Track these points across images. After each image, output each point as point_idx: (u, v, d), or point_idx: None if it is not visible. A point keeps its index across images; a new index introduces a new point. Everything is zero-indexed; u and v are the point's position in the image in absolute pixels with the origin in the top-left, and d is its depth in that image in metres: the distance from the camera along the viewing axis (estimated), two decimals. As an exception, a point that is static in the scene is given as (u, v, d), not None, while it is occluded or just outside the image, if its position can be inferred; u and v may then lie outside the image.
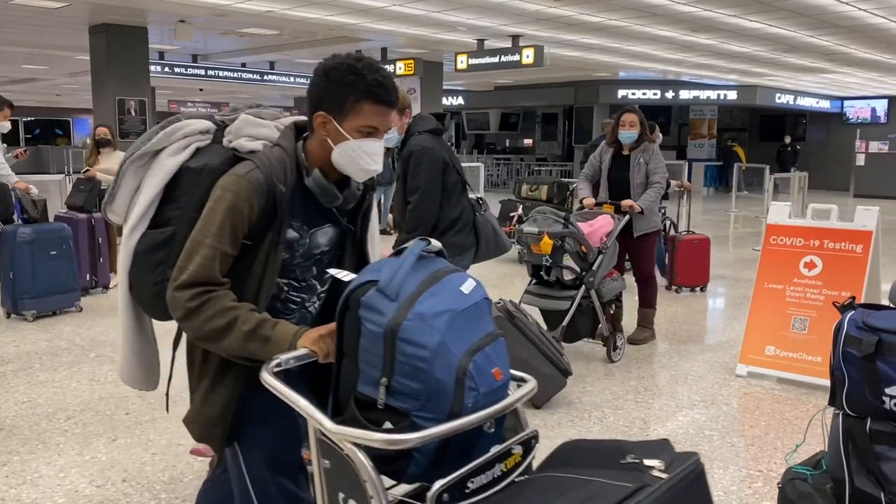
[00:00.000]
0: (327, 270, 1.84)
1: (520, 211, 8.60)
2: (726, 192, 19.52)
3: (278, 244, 1.71)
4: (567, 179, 10.09)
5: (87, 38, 12.28)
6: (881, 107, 23.54)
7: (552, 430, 3.85)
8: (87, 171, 7.23)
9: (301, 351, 1.60)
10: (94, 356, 5.11)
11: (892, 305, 1.87)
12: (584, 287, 4.73)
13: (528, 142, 27.91)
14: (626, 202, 5.15)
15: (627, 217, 5.08)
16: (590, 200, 5.37)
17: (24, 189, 6.33)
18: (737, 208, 14.47)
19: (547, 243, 4.58)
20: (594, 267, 4.75)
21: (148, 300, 1.88)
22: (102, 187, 7.17)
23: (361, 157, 1.72)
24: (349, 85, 1.67)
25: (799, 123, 25.42)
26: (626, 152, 5.32)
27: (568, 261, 4.69)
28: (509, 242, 4.00)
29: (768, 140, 24.78)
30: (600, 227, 4.89)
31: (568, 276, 4.73)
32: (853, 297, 1.85)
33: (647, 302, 5.50)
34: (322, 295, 1.91)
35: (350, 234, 1.90)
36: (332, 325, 1.58)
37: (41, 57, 16.26)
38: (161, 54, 15.32)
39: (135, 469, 3.37)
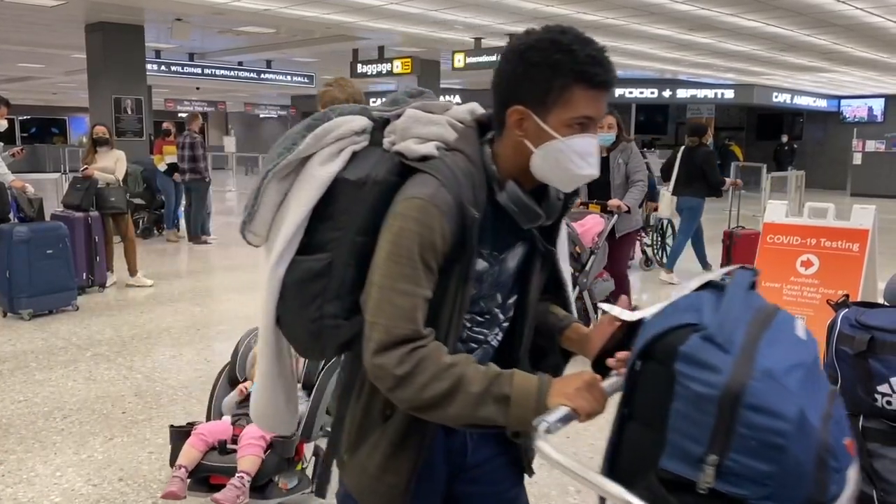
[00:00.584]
0: (601, 307, 1.58)
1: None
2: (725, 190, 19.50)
3: (467, 280, 1.36)
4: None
5: (83, 37, 12.25)
6: (878, 106, 23.56)
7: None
8: (85, 169, 7.22)
9: (562, 411, 1.24)
10: (90, 355, 5.10)
11: (886, 304, 1.88)
12: (577, 288, 4.68)
13: (525, 140, 27.88)
14: (613, 202, 5.14)
15: (616, 216, 5.07)
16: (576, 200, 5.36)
17: (21, 188, 6.32)
18: (734, 207, 14.47)
19: None
20: (587, 268, 4.71)
21: (303, 340, 1.47)
22: (99, 186, 7.17)
23: (572, 159, 1.34)
24: (554, 66, 1.30)
25: (796, 122, 25.45)
26: (604, 154, 5.27)
27: None
28: None
29: (765, 139, 24.81)
30: (591, 226, 4.86)
31: None
32: (847, 295, 1.86)
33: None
34: (504, 325, 1.54)
35: (546, 253, 1.53)
36: (589, 375, 1.28)
37: (37, 55, 16.23)
38: (158, 53, 15.29)
39: (131, 468, 3.37)
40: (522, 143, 1.35)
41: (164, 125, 10.93)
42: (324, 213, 1.40)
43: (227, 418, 2.90)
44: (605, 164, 5.28)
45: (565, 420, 1.24)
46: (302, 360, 2.91)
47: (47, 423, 3.90)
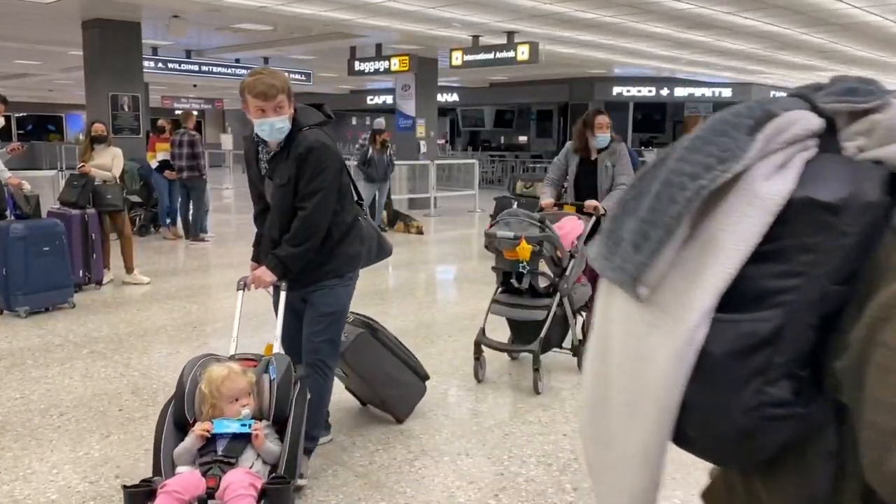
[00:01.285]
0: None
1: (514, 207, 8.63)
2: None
3: None
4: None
5: (79, 34, 12.22)
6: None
7: (546, 427, 3.86)
8: (82, 166, 7.21)
9: None
10: (86, 353, 5.09)
11: None
12: (557, 294, 4.43)
13: (522, 139, 27.90)
14: (590, 203, 4.93)
15: (594, 219, 4.78)
16: (548, 202, 5.11)
17: (17, 185, 6.31)
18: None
19: (525, 248, 4.22)
20: (567, 272, 4.47)
21: (729, 437, 0.96)
22: (96, 183, 7.15)
23: None
24: None
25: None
26: (593, 157, 5.15)
27: (543, 267, 4.39)
28: (391, 245, 3.64)
29: (762, 137, 24.80)
30: (570, 229, 4.62)
31: (542, 283, 4.42)
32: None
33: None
34: None
35: None
36: None
37: (34, 52, 16.19)
38: (154, 50, 15.26)
39: (128, 465, 3.36)
40: None
41: (160, 122, 10.92)
42: (765, 252, 0.95)
43: (189, 469, 2.46)
44: (592, 167, 5.14)
45: None
46: (269, 393, 2.67)
47: (44, 420, 3.89)
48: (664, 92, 21.20)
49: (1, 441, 3.62)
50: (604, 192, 5.07)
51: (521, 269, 4.36)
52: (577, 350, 4.68)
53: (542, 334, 4.34)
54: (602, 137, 5.09)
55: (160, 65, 15.68)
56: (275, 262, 3.10)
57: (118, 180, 7.46)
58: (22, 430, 3.76)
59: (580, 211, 4.96)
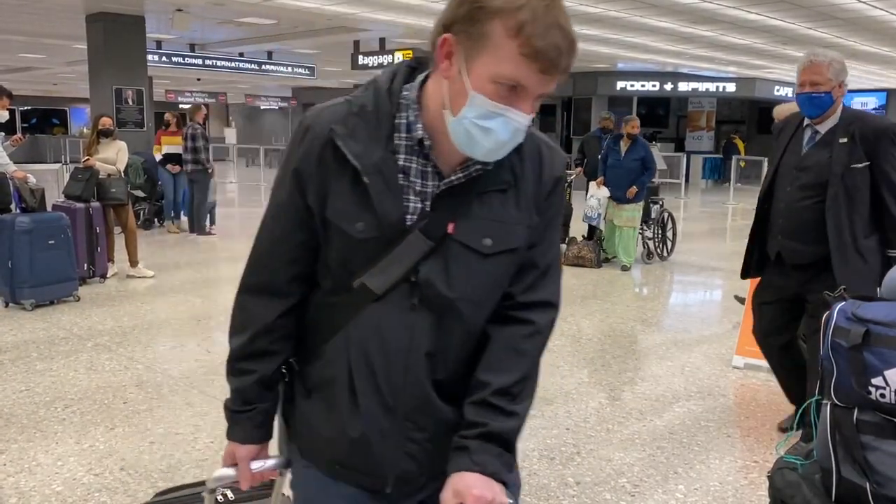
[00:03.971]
0: None
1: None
2: (723, 184, 19.54)
3: None
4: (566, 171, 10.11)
5: (84, 27, 12.24)
6: (880, 100, 23.52)
7: (549, 421, 3.87)
8: (87, 160, 7.23)
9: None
10: (91, 345, 5.12)
11: (884, 298, 1.89)
12: None
13: (526, 133, 27.83)
14: None
15: None
16: None
17: (22, 178, 6.33)
18: (734, 200, 14.50)
19: None
20: None
21: None
22: (100, 177, 7.17)
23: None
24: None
25: (798, 116, 25.40)
26: None
27: None
28: None
29: (767, 132, 24.66)
30: None
31: None
32: (844, 288, 1.87)
33: None
34: None
35: None
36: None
37: (38, 46, 16.21)
38: (158, 43, 15.27)
39: (132, 458, 3.39)
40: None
41: (165, 116, 10.94)
42: None
43: None
44: None
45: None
46: None
47: (49, 412, 3.92)
48: (668, 87, 21.13)
49: (6, 433, 3.65)
50: None
51: None
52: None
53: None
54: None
55: (164, 58, 15.71)
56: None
57: (122, 174, 7.48)
58: (27, 422, 3.79)
59: None
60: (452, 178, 1.22)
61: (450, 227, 1.21)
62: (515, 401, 1.25)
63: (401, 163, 1.21)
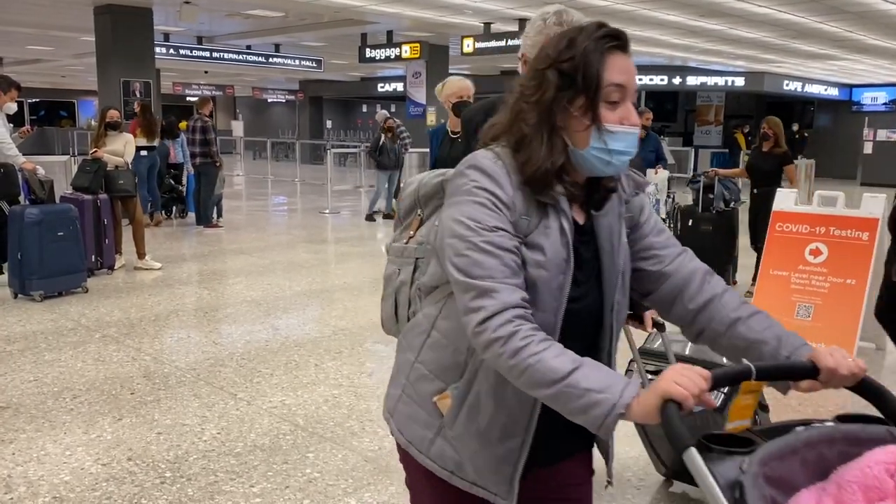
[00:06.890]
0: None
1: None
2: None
3: None
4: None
5: (91, 20, 12.25)
6: (890, 94, 23.37)
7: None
8: (94, 152, 7.24)
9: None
10: (99, 336, 5.14)
11: None
12: None
13: (533, 127, 27.75)
14: None
15: None
16: None
17: (32, 169, 6.35)
18: (742, 195, 14.42)
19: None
20: None
21: None
22: (108, 169, 7.19)
23: None
24: None
25: (807, 111, 25.26)
26: None
27: None
28: None
29: (775, 127, 24.59)
30: None
31: None
32: None
33: None
34: None
35: None
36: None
37: (46, 38, 16.24)
38: (166, 36, 15.29)
39: (140, 448, 3.40)
40: None
41: (136, 106, 10.66)
42: None
43: None
44: None
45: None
46: None
47: (57, 402, 3.93)
48: (676, 80, 21.04)
49: (15, 423, 3.67)
50: None
51: None
52: None
53: None
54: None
55: (171, 51, 15.72)
56: None
57: (130, 166, 7.50)
58: (35, 412, 3.81)
59: None
60: None
61: None
62: None
63: None
